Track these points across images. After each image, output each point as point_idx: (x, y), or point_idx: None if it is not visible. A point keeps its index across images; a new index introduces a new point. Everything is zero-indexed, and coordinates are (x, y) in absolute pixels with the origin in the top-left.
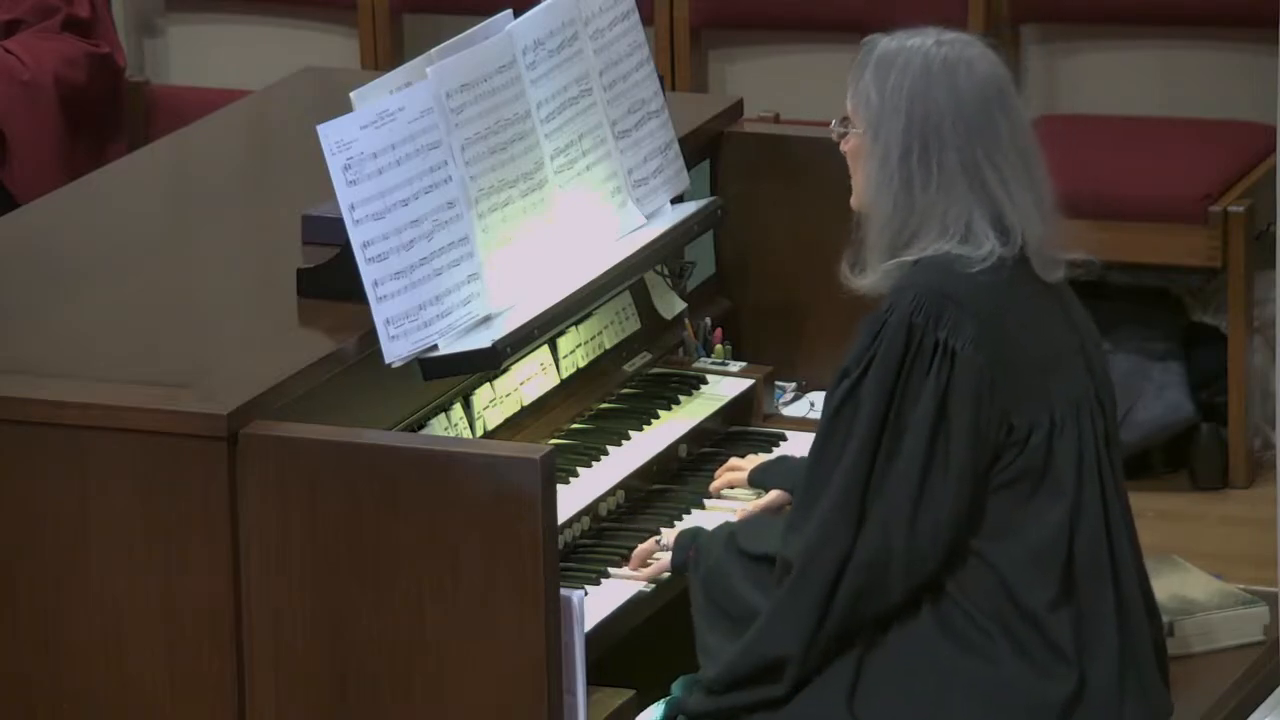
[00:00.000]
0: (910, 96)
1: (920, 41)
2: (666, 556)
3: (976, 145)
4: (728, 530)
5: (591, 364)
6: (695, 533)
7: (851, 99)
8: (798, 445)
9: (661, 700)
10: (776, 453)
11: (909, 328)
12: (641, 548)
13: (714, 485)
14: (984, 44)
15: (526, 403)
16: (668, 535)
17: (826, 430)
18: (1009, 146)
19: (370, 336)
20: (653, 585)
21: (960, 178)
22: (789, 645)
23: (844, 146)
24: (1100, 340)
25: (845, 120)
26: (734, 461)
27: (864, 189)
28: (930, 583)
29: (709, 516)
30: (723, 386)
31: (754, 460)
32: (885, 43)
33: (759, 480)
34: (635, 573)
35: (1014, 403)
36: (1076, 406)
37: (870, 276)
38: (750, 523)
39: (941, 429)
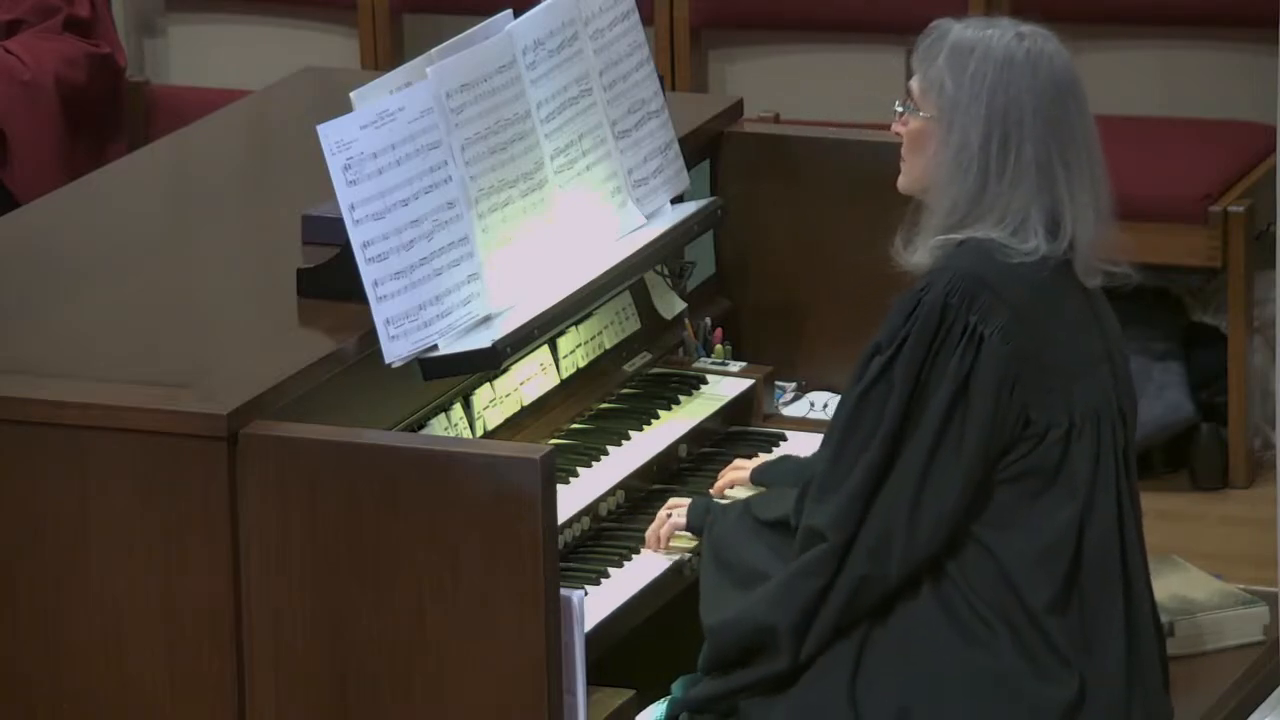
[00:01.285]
0: (992, 87)
1: (999, 33)
2: (680, 518)
3: (1052, 142)
4: (743, 500)
5: (591, 364)
6: (709, 502)
7: (920, 82)
8: (798, 445)
9: (662, 700)
10: (777, 453)
11: (943, 308)
12: (653, 526)
13: (716, 486)
14: (1058, 40)
15: (526, 403)
16: (674, 508)
17: (856, 406)
18: (1081, 145)
19: (370, 336)
20: (687, 556)
21: (1032, 172)
22: (789, 616)
23: (900, 127)
24: (1127, 352)
25: (908, 102)
26: (738, 462)
27: (929, 173)
28: (931, 564)
29: None
30: (723, 386)
31: (757, 461)
32: (960, 30)
33: (760, 480)
34: (655, 546)
35: (1035, 398)
36: (1098, 413)
37: (919, 255)
38: (764, 494)
39: (957, 413)
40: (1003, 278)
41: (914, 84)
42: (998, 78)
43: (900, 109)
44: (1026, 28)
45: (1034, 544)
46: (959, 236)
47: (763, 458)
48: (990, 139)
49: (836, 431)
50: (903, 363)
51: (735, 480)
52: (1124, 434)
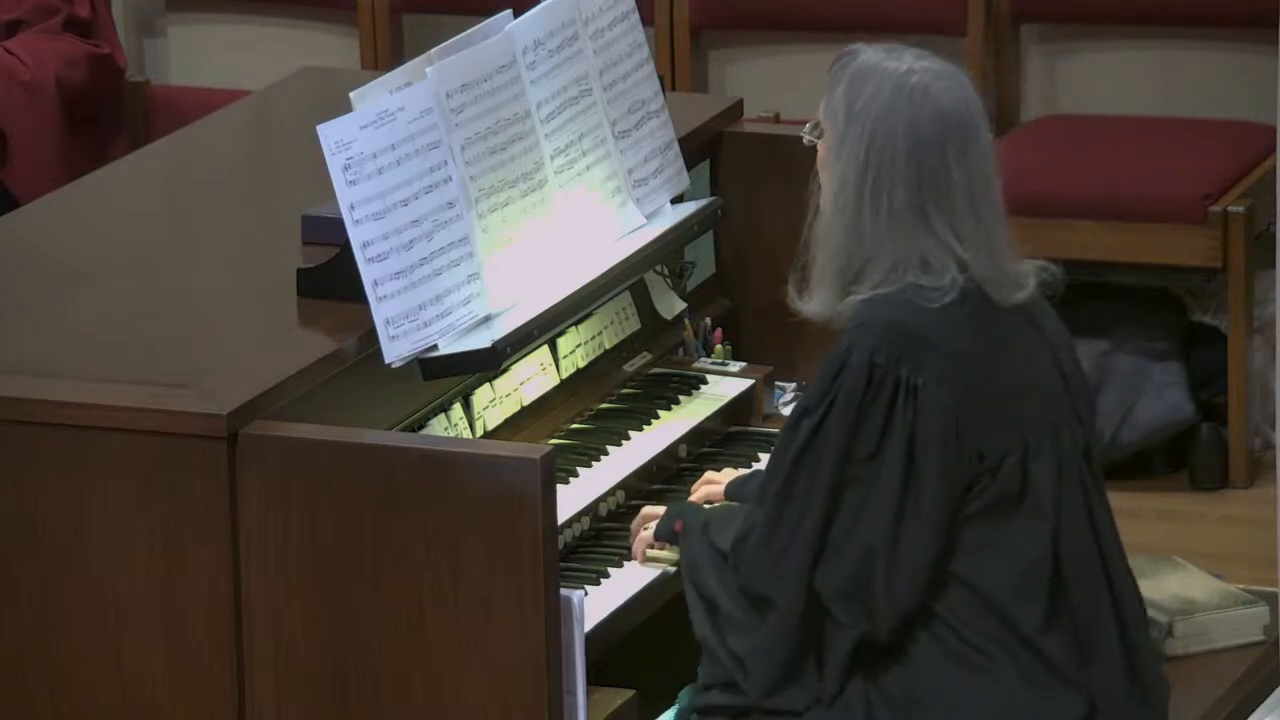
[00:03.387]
0: (875, 122)
1: (897, 65)
2: (649, 532)
3: (926, 191)
4: (703, 519)
5: (591, 364)
6: (681, 509)
7: (825, 107)
8: None
9: (672, 709)
10: (755, 466)
11: (870, 368)
12: (637, 540)
13: (690, 499)
14: (959, 74)
15: (526, 403)
16: (648, 519)
17: (790, 470)
18: (959, 195)
19: (370, 336)
20: (675, 567)
21: (908, 216)
22: (772, 679)
23: (818, 149)
24: (1073, 345)
25: (817, 126)
26: (710, 475)
27: (824, 203)
28: (918, 610)
29: None
30: (723, 386)
31: (730, 474)
32: (866, 56)
33: (735, 494)
34: (636, 558)
35: (983, 434)
36: (1054, 426)
37: (818, 302)
38: (723, 515)
39: (912, 472)
40: (928, 323)
41: (821, 106)
42: (880, 115)
43: (812, 134)
44: (924, 62)
45: (1012, 568)
46: (866, 289)
47: (729, 472)
48: (865, 179)
49: (772, 494)
50: (831, 426)
51: (710, 495)
52: (1083, 434)
